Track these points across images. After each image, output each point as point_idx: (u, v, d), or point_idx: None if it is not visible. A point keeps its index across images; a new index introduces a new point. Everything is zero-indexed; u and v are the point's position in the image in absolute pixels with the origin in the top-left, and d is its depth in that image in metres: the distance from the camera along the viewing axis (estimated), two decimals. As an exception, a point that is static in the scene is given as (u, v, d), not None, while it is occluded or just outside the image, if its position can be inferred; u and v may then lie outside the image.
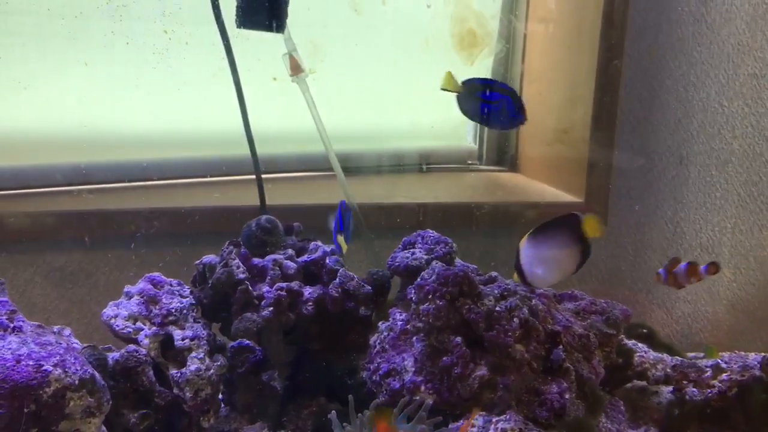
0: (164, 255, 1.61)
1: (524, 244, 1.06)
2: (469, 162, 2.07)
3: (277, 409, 1.33)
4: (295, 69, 1.54)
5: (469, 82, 1.12)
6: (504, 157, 2.06)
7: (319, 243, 1.40)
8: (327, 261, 1.35)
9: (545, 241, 1.05)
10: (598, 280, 1.92)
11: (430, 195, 1.81)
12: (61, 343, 1.13)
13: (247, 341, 1.33)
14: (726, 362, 1.35)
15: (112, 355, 1.23)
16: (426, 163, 2.00)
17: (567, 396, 1.13)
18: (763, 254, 1.98)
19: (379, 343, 1.26)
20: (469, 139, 2.08)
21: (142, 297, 1.30)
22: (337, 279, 1.31)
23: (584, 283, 1.91)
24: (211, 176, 1.74)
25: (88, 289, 1.62)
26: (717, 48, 1.84)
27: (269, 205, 1.55)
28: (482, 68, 1.89)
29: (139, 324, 1.27)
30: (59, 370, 1.05)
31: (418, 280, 1.19)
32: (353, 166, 1.80)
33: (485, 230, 1.80)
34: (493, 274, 1.28)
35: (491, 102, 1.11)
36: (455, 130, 2.04)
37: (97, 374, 1.11)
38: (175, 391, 1.24)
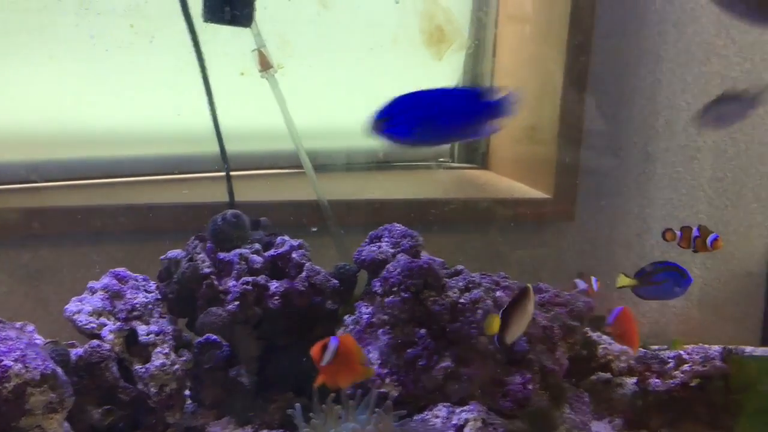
0: (131, 252, 1.60)
1: None
2: (441, 159, 2.08)
3: (245, 405, 1.32)
4: (264, 65, 1.54)
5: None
6: (475, 155, 2.07)
7: (286, 237, 1.39)
8: (293, 255, 1.34)
9: None
10: (567, 276, 1.93)
11: (400, 191, 1.81)
12: (21, 339, 1.12)
13: (214, 336, 1.33)
14: (688, 354, 1.37)
15: (76, 351, 1.22)
16: (397, 161, 2.00)
17: (530, 387, 1.14)
18: (728, 250, 2.00)
19: (345, 337, 1.27)
20: (441, 137, 2.08)
21: (106, 292, 1.29)
22: (304, 273, 1.31)
23: (554, 279, 1.92)
24: (179, 173, 1.72)
25: (54, 286, 1.60)
26: (683, 46, 1.87)
27: (238, 202, 1.54)
28: (451, 64, 1.90)
29: (102, 319, 1.26)
30: (19, 365, 1.04)
31: (383, 272, 1.20)
32: (322, 163, 1.80)
33: (455, 226, 1.81)
34: (459, 267, 1.29)
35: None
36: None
37: (59, 369, 1.10)
38: (140, 386, 1.23)
